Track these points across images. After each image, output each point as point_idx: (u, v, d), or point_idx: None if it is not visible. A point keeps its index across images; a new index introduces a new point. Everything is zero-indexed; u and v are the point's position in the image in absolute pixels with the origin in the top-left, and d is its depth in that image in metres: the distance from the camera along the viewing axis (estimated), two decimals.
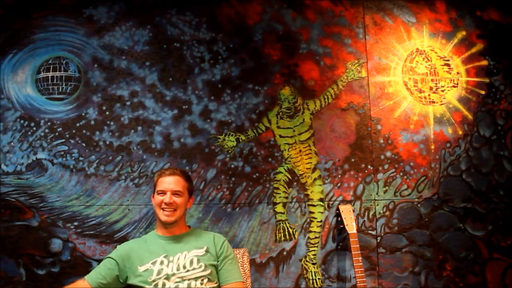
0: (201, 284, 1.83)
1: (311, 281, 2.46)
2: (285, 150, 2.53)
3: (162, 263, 1.85)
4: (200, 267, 1.86)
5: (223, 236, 2.04)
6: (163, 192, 1.92)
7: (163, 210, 1.91)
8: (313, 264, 2.48)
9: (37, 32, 2.44)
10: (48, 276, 2.29)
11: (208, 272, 1.86)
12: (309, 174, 2.53)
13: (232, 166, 2.48)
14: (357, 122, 2.60)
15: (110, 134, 2.42)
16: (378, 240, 2.53)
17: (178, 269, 1.84)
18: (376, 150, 2.59)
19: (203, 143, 2.48)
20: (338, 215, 2.46)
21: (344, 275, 2.49)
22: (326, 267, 2.48)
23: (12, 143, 2.36)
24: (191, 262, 1.86)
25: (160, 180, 1.95)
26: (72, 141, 2.40)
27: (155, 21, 2.52)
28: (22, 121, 2.38)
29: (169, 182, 1.93)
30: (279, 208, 2.49)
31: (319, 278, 2.47)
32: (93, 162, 2.39)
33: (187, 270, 1.84)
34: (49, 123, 2.40)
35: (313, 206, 2.51)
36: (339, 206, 2.46)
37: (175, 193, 1.92)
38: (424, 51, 2.70)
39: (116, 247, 1.99)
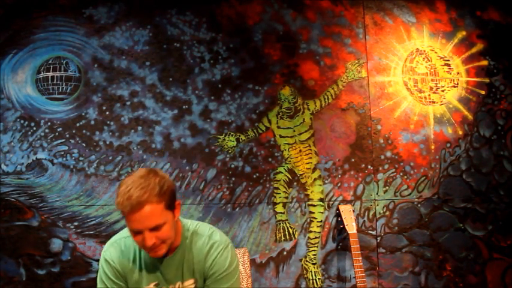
0: None
1: (311, 281, 2.46)
2: (285, 150, 2.53)
3: None
4: None
5: (224, 242, 1.55)
6: (140, 232, 1.40)
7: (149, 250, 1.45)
8: (313, 264, 2.48)
9: (37, 32, 2.44)
10: (48, 276, 2.29)
11: None
12: (309, 174, 2.53)
13: (232, 166, 2.48)
14: (357, 122, 2.60)
15: (110, 134, 2.42)
16: (378, 240, 2.53)
17: None
18: (376, 150, 2.59)
19: (203, 143, 2.48)
20: (338, 215, 2.46)
21: (344, 275, 2.49)
22: (326, 267, 2.48)
23: (12, 143, 2.36)
24: None
25: (128, 217, 1.40)
26: (72, 141, 2.40)
27: (155, 21, 2.52)
28: (22, 121, 2.38)
29: (141, 220, 1.37)
30: (279, 208, 2.49)
31: (319, 278, 2.47)
32: (93, 162, 2.39)
33: None
34: (49, 123, 2.40)
35: (313, 206, 2.51)
36: (339, 206, 2.46)
37: (154, 229, 1.39)
38: (424, 51, 2.70)
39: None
